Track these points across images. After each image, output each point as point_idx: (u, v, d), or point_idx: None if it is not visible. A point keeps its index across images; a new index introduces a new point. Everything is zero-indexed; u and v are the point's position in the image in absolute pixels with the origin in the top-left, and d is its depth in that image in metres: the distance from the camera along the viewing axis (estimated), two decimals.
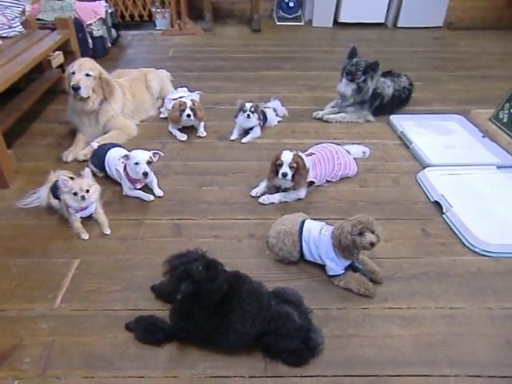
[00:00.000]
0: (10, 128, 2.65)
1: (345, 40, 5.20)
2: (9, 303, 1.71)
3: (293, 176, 2.22)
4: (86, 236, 2.06)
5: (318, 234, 1.84)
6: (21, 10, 3.17)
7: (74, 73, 2.64)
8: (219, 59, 4.45)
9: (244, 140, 2.89)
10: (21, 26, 3.15)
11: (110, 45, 4.51)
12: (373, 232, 1.67)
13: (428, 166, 2.53)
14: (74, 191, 2.00)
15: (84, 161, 2.61)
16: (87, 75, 2.65)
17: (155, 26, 5.46)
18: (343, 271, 1.80)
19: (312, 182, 2.37)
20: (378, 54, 4.25)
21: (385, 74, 3.20)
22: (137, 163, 2.17)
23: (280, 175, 2.21)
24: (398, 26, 5.69)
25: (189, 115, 2.83)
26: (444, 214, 2.20)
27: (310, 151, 2.49)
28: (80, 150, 2.69)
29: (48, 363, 1.49)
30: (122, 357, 1.52)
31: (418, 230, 2.14)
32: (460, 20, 5.60)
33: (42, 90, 3.13)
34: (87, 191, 2.02)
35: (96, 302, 1.73)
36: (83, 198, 2.00)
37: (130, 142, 2.83)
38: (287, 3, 5.78)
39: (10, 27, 3.00)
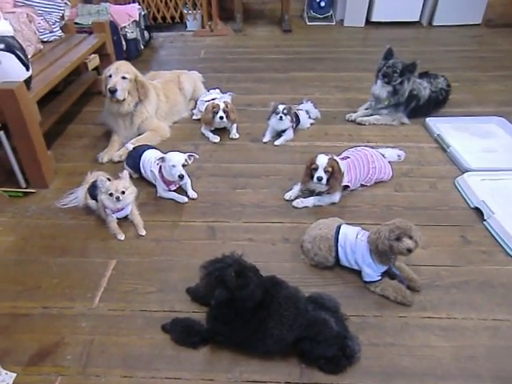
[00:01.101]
0: (48, 129, 2.72)
1: (377, 40, 5.12)
2: (51, 301, 1.76)
3: (328, 180, 2.19)
4: (122, 237, 2.10)
5: (354, 239, 1.81)
6: (60, 15, 3.25)
7: (110, 76, 2.70)
8: (250, 60, 4.45)
9: (277, 142, 2.88)
10: (60, 31, 3.24)
11: (142, 47, 4.58)
12: (411, 238, 1.63)
13: (467, 171, 2.45)
14: (109, 192, 2.04)
15: (119, 162, 2.66)
16: (123, 78, 2.70)
17: (186, 27, 5.52)
18: (380, 277, 1.77)
19: (346, 186, 2.34)
20: (413, 54, 4.17)
21: (421, 75, 3.12)
22: (173, 165, 2.20)
23: (315, 179, 2.19)
24: (434, 24, 5.54)
25: (222, 117, 2.85)
26: (485, 220, 2.13)
27: (344, 155, 2.45)
28: (115, 151, 2.74)
29: (88, 361, 1.53)
30: (159, 358, 1.54)
31: (458, 237, 2.08)
32: (499, 17, 5.40)
33: (79, 92, 3.21)
34: (122, 193, 2.05)
35: (133, 303, 1.76)
36: (118, 199, 2.04)
37: (163, 143, 2.87)
38: (318, 3, 5.72)
39: (50, 32, 3.10)
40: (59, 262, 1.96)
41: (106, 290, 1.81)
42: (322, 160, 2.18)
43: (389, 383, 1.45)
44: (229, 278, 1.38)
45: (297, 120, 2.97)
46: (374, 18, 5.57)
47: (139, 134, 2.85)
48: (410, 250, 1.62)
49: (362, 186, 2.43)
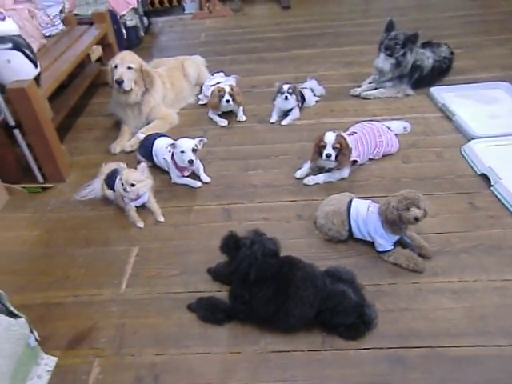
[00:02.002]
0: (59, 124, 2.78)
1: (378, 10, 5.07)
2: (80, 289, 1.86)
3: (336, 156, 2.25)
4: (141, 224, 2.18)
5: (365, 212, 1.88)
6: (60, 7, 3.27)
7: (116, 66, 2.74)
8: (251, 40, 4.44)
9: (284, 122, 2.92)
10: (61, 24, 3.27)
11: (143, 34, 4.59)
12: (419, 207, 1.69)
13: (473, 138, 2.48)
14: (121, 182, 2.10)
15: (131, 152, 2.72)
16: (129, 68, 2.74)
17: (184, 10, 5.49)
18: (392, 247, 1.84)
19: (355, 161, 2.39)
20: (415, 23, 4.16)
21: (424, 45, 3.12)
22: (182, 151, 2.26)
23: (324, 156, 2.24)
24: None
25: (228, 100, 2.89)
26: (492, 186, 2.18)
27: (351, 130, 2.49)
28: (126, 141, 2.81)
29: (122, 342, 1.63)
30: (187, 335, 1.64)
31: (466, 204, 2.13)
32: None
33: (85, 85, 3.26)
34: (132, 185, 2.09)
35: (157, 286, 1.85)
36: (125, 190, 2.09)
37: (172, 130, 2.92)
38: None
39: (52, 26, 3.13)
40: (84, 252, 2.06)
41: (131, 276, 1.91)
42: (330, 137, 2.23)
43: (405, 344, 1.54)
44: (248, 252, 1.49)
45: (302, 98, 3.00)
46: None
47: (148, 123, 2.91)
48: (417, 219, 1.69)
49: (370, 159, 2.48)
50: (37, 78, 2.35)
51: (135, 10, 4.36)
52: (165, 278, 1.88)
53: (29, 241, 2.14)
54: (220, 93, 2.90)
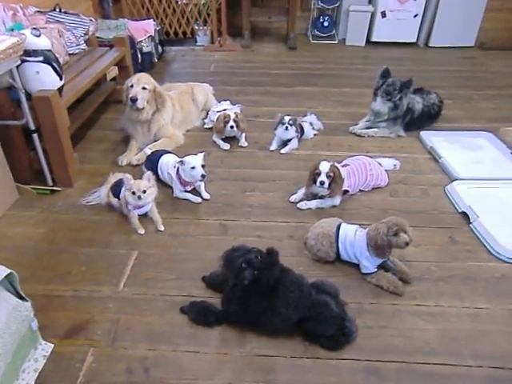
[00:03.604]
0: (73, 134, 2.94)
1: (376, 59, 5.41)
2: (80, 285, 1.97)
3: (329, 184, 2.42)
4: (142, 231, 2.31)
5: (353, 236, 2.03)
6: (85, 30, 3.51)
7: (132, 86, 2.94)
8: (258, 75, 4.72)
9: (283, 151, 3.12)
10: (85, 44, 3.50)
11: (156, 60, 4.85)
12: (405, 232, 1.85)
13: (456, 180, 2.68)
14: (132, 190, 2.25)
15: (137, 165, 2.88)
16: (143, 88, 2.94)
17: (196, 42, 5.80)
18: (376, 269, 1.98)
19: (346, 191, 2.57)
20: (410, 73, 4.37)
21: (415, 91, 3.39)
22: (193, 167, 2.41)
23: (318, 183, 2.41)
24: (430, 45, 5.85)
25: (232, 126, 3.09)
26: (471, 223, 2.35)
27: (344, 162, 2.69)
28: (133, 155, 2.97)
29: (116, 336, 1.73)
30: (178, 334, 1.74)
31: (446, 238, 2.30)
32: (491, 40, 5.72)
33: (99, 101, 3.45)
34: (144, 192, 2.27)
35: (154, 288, 1.96)
36: (139, 197, 2.25)
37: (177, 149, 3.09)
38: (322, 23, 6.03)
39: (77, 45, 3.35)
40: (86, 251, 2.17)
41: (129, 277, 2.02)
42: (325, 166, 2.41)
43: (382, 358, 1.65)
44: (255, 259, 1.61)
45: (301, 131, 3.21)
46: (373, 38, 5.88)
47: (155, 140, 3.09)
48: (407, 244, 1.85)
49: (360, 191, 2.65)
50: (60, 90, 2.53)
51: (152, 37, 4.64)
52: (161, 282, 2.00)
53: (35, 237, 2.26)
54: (225, 119, 3.10)
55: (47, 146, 2.51)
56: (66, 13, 3.42)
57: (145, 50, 4.48)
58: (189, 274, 2.04)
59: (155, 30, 4.74)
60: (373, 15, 5.74)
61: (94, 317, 1.82)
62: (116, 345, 1.70)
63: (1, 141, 2.37)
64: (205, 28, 5.67)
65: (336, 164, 2.50)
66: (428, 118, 3.42)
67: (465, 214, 2.43)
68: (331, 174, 2.41)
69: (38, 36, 2.35)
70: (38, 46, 2.35)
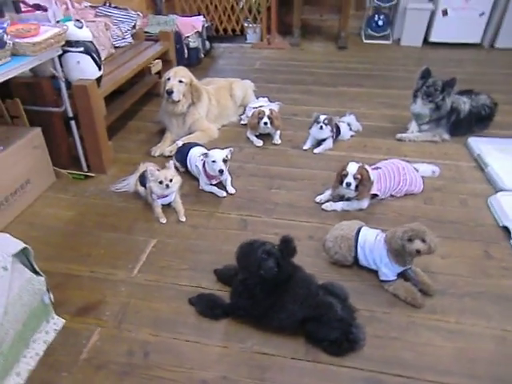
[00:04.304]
0: (112, 124, 3.06)
1: (433, 60, 5.13)
2: (98, 267, 2.03)
3: (356, 186, 2.33)
4: (164, 220, 2.34)
5: (373, 240, 1.93)
6: (132, 24, 3.64)
7: (169, 79, 3.00)
8: (302, 73, 4.66)
9: (316, 150, 3.04)
10: (131, 38, 3.63)
11: (203, 55, 4.93)
12: (424, 241, 1.73)
13: (501, 190, 2.48)
14: (159, 180, 2.29)
15: (169, 156, 2.93)
16: (180, 81, 3.00)
17: (246, 39, 5.83)
18: (395, 277, 1.87)
19: (375, 195, 2.46)
20: (468, 75, 4.23)
21: (462, 93, 3.19)
22: (214, 161, 2.43)
23: (344, 184, 2.33)
24: (496, 46, 5.49)
25: (266, 123, 3.06)
26: None
27: (376, 165, 2.57)
28: (167, 146, 3.03)
29: (123, 318, 1.77)
30: (183, 324, 1.75)
31: (481, 252, 2.13)
32: None
33: (141, 93, 3.56)
34: (170, 180, 2.31)
35: (166, 276, 1.99)
36: (167, 186, 2.29)
37: (210, 143, 3.11)
38: (376, 21, 5.84)
39: (122, 38, 3.48)
40: (108, 236, 2.24)
41: (144, 264, 2.06)
42: (353, 167, 2.32)
43: (387, 371, 1.56)
44: (273, 249, 1.59)
45: (337, 131, 3.11)
46: (432, 39, 5.60)
47: (190, 133, 3.13)
48: (418, 252, 1.73)
49: (391, 196, 2.53)
50: (98, 80, 2.63)
51: (199, 33, 4.72)
52: (174, 271, 2.02)
53: (64, 219, 2.36)
54: (260, 115, 3.08)
55: (83, 133, 2.62)
56: (115, 7, 3.56)
57: (191, 45, 4.57)
58: (202, 265, 2.04)
59: (203, 26, 4.81)
60: (433, 14, 5.48)
61: (105, 298, 1.87)
62: (122, 327, 1.74)
63: (43, 127, 2.50)
64: (254, 25, 5.68)
65: (365, 166, 2.40)
66: (478, 121, 3.19)
67: (506, 229, 2.23)
68: (358, 176, 2.31)
69: (80, 28, 2.45)
70: (80, 37, 2.45)
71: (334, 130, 3.06)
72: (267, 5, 5.39)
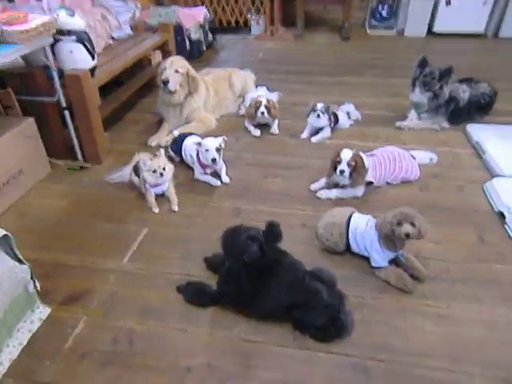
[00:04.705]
0: (110, 115, 3.05)
1: (436, 50, 5.05)
2: (88, 256, 2.03)
3: (350, 174, 2.29)
4: (156, 210, 2.33)
5: (364, 226, 1.90)
6: (131, 15, 3.63)
7: (165, 68, 2.99)
8: (304, 64, 4.62)
9: (313, 139, 3.01)
10: (130, 29, 3.62)
11: (205, 48, 4.91)
12: (413, 224, 1.69)
13: (497, 176, 2.42)
14: (153, 169, 2.28)
15: (166, 147, 2.91)
16: (176, 71, 2.98)
17: (250, 31, 5.79)
18: (386, 264, 1.84)
19: (371, 182, 2.42)
20: (470, 65, 4.15)
21: (462, 81, 3.13)
22: (207, 150, 2.41)
23: (338, 172, 2.29)
24: (500, 36, 5.38)
25: (263, 112, 3.03)
26: (506, 224, 2.11)
27: (372, 152, 2.53)
28: (164, 137, 3.02)
29: (110, 307, 1.76)
30: (170, 312, 1.74)
31: (474, 237, 2.08)
32: None
33: (139, 84, 3.54)
34: (164, 169, 2.30)
35: (156, 265, 1.98)
36: (162, 175, 2.28)
37: (208, 133, 3.07)
38: (380, 12, 5.75)
39: (121, 29, 3.47)
40: (101, 226, 2.24)
41: (135, 252, 2.05)
42: (346, 154, 2.28)
43: (374, 355, 1.53)
44: (258, 235, 1.57)
45: (335, 119, 3.07)
46: (436, 29, 5.52)
47: (187, 123, 3.12)
48: (408, 235, 1.69)
49: (387, 183, 2.49)
50: (92, 69, 2.63)
51: (201, 25, 4.70)
52: (164, 259, 2.01)
53: (57, 209, 2.37)
54: (257, 104, 3.05)
55: (78, 123, 2.63)
56: None
57: (193, 37, 4.56)
58: (193, 254, 2.03)
59: (205, 18, 4.78)
60: (436, 4, 5.38)
61: (94, 287, 1.86)
62: (108, 315, 1.73)
63: (37, 117, 2.51)
64: (258, 17, 5.64)
65: (360, 153, 2.35)
66: (478, 109, 3.13)
67: (501, 215, 2.18)
68: (352, 163, 2.28)
69: (72, 16, 2.45)
70: (72, 26, 2.45)
71: (332, 119, 3.02)
72: None
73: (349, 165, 2.28)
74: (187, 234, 2.17)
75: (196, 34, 4.62)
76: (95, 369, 1.53)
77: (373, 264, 1.88)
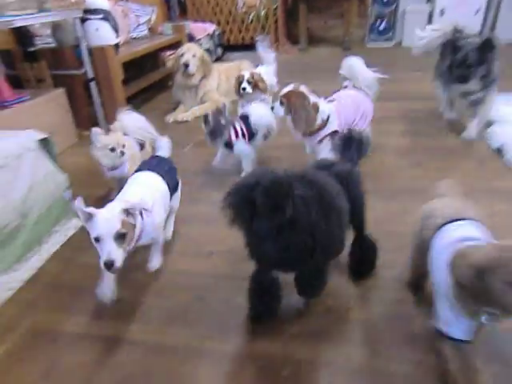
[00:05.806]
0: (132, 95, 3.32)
1: (433, 59, 5.31)
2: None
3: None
4: None
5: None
6: (148, 17, 4.00)
7: (183, 54, 3.28)
8: (305, 72, 4.91)
9: None
10: (147, 30, 3.98)
11: (215, 58, 5.25)
12: None
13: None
14: (110, 147, 1.80)
15: (181, 122, 3.15)
16: (193, 56, 3.28)
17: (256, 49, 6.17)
18: (464, 336, 1.00)
19: (336, 132, 2.14)
20: None
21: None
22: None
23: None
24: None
25: (244, 88, 2.72)
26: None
27: (331, 98, 2.29)
28: (179, 114, 3.29)
29: None
30: None
31: (475, 165, 2.21)
32: None
33: (157, 77, 3.90)
34: (124, 146, 1.82)
35: None
36: (123, 153, 1.81)
37: None
38: (378, 27, 6.14)
39: (139, 29, 3.83)
40: None
41: None
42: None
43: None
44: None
45: None
46: None
47: (202, 104, 3.38)
48: None
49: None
50: (116, 46, 2.91)
51: (211, 36, 5.08)
52: None
53: (85, 166, 2.53)
54: (239, 79, 2.75)
55: (102, 93, 2.87)
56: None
57: (204, 46, 4.89)
58: None
59: (214, 30, 5.17)
60: (431, 15, 5.74)
61: None
62: None
63: (66, 90, 2.75)
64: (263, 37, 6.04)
65: (302, 87, 2.16)
66: None
67: (499, 150, 2.32)
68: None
69: None
70: (98, 5, 2.76)
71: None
72: (274, 18, 5.78)
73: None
74: None
75: (207, 45, 4.98)
76: None
77: (437, 325, 1.06)
